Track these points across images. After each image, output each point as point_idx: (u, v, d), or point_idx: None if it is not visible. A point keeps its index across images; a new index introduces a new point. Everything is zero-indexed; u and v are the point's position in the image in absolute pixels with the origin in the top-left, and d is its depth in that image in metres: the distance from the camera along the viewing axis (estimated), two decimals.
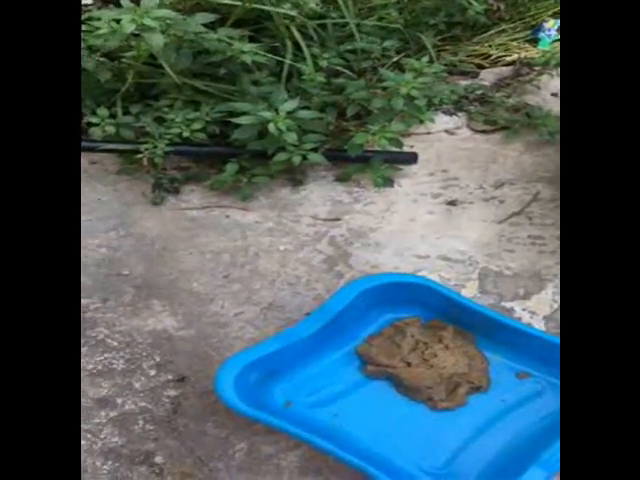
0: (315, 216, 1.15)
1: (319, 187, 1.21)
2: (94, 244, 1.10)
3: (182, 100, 1.24)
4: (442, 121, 1.33)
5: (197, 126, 1.19)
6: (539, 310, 1.00)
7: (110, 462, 0.85)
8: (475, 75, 1.46)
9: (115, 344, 0.97)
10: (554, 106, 1.34)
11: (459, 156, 1.26)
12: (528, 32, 1.54)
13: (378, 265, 1.07)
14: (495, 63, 1.49)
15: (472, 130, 1.31)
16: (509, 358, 0.92)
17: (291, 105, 1.14)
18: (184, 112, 1.20)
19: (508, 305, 1.01)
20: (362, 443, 0.85)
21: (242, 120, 1.14)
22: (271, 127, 1.11)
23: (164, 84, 1.24)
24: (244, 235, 1.13)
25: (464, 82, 1.42)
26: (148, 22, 1.06)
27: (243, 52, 1.19)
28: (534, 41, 1.53)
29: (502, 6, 1.54)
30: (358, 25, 1.39)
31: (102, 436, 0.87)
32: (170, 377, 0.94)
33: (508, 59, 1.49)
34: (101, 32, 1.07)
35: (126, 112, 1.23)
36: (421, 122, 1.29)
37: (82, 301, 1.00)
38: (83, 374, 0.92)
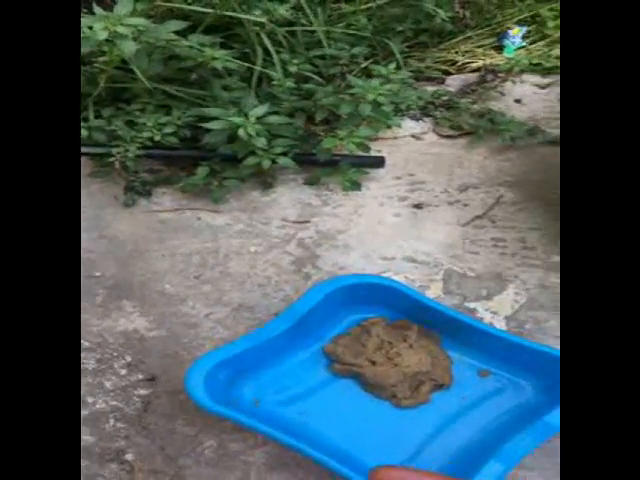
0: (285, 218, 1.16)
1: (289, 190, 1.22)
2: None
3: (154, 104, 1.24)
4: (409, 126, 1.35)
5: (168, 130, 1.19)
6: (501, 310, 1.01)
7: (81, 460, 0.85)
8: (441, 81, 1.47)
9: (87, 344, 0.98)
10: (517, 112, 1.36)
11: (425, 160, 1.27)
12: (493, 39, 1.56)
13: (345, 267, 1.08)
14: (461, 69, 1.51)
15: (438, 135, 1.33)
16: (471, 357, 0.94)
17: (261, 110, 1.15)
18: (155, 116, 1.21)
19: (471, 305, 1.02)
20: (328, 439, 0.86)
21: (213, 125, 1.14)
22: (241, 132, 1.12)
23: (136, 89, 1.25)
24: (215, 237, 1.13)
25: (431, 88, 1.43)
26: (120, 30, 1.06)
27: (214, 58, 1.19)
28: (499, 48, 1.54)
29: (468, 13, 1.55)
30: (327, 32, 1.40)
31: None
32: (141, 376, 0.95)
33: (474, 65, 1.51)
34: None
35: (98, 116, 1.24)
36: (388, 127, 1.30)
37: None
38: None
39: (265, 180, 1.22)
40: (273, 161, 1.16)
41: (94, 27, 1.06)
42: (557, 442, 0.85)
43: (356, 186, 1.20)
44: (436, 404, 0.90)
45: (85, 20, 1.08)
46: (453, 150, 1.29)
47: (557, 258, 1.08)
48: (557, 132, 1.29)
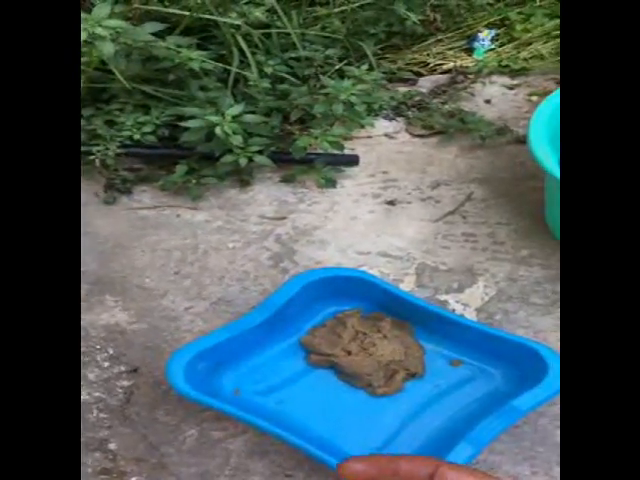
0: (262, 215, 1.18)
1: (266, 188, 1.23)
2: None
3: (132, 104, 1.25)
4: (382, 125, 1.36)
5: (147, 129, 1.21)
6: (471, 302, 1.03)
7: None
8: (414, 82, 1.48)
9: None
10: (486, 112, 1.38)
11: (398, 159, 1.29)
12: (464, 42, 1.58)
13: (322, 261, 1.10)
14: (433, 71, 1.52)
15: (410, 134, 1.34)
16: (443, 347, 0.95)
17: (237, 109, 1.16)
18: (134, 116, 1.22)
19: (443, 298, 1.04)
20: (306, 427, 0.87)
21: (190, 123, 1.16)
22: (218, 130, 1.13)
23: (115, 89, 1.25)
24: (194, 234, 1.15)
25: (403, 89, 1.45)
26: (99, 31, 1.07)
27: (191, 59, 1.20)
28: (469, 50, 1.56)
29: (438, 17, 1.57)
30: (302, 34, 1.42)
31: None
32: (123, 368, 0.96)
33: (445, 67, 1.52)
34: None
35: None
36: (362, 126, 1.31)
37: None
38: None
39: (242, 178, 1.23)
40: (250, 159, 1.17)
41: None
42: (526, 428, 0.88)
43: (331, 183, 1.22)
44: (409, 392, 0.92)
45: None
46: (425, 149, 1.31)
47: (525, 252, 1.10)
48: (524, 131, 1.30)
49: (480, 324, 0.98)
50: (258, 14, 1.33)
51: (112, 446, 0.88)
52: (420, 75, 1.51)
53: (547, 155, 0.98)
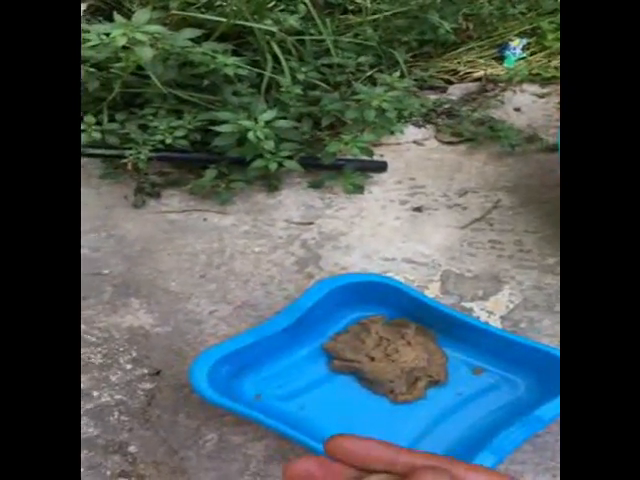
0: (289, 220, 1.15)
1: (293, 193, 1.20)
2: None
3: (166, 109, 1.23)
4: (411, 132, 1.33)
5: (180, 133, 1.18)
6: (496, 310, 1.00)
7: (86, 451, 0.84)
8: (444, 90, 1.45)
9: (93, 339, 0.96)
10: (516, 120, 1.34)
11: (426, 165, 1.25)
12: (494, 50, 1.54)
13: (347, 267, 1.07)
14: (463, 79, 1.49)
15: (439, 141, 1.31)
16: (466, 354, 0.92)
17: (269, 115, 1.14)
18: (168, 120, 1.20)
19: (467, 305, 1.01)
20: (327, 433, 0.83)
21: (223, 128, 1.13)
22: (250, 135, 1.11)
23: (149, 94, 1.24)
24: (221, 237, 1.12)
25: (433, 96, 1.42)
26: (139, 36, 1.06)
27: (226, 65, 1.18)
28: (500, 59, 1.53)
29: (471, 25, 1.54)
30: (335, 41, 1.39)
31: None
32: (145, 371, 0.93)
33: (475, 75, 1.49)
34: (91, 44, 1.07)
35: (112, 119, 1.23)
36: (391, 133, 1.29)
37: None
38: None
39: (271, 183, 1.21)
40: (280, 164, 1.15)
41: (112, 34, 1.05)
42: (548, 437, 0.84)
43: (359, 189, 1.19)
44: (431, 400, 0.88)
45: (104, 27, 1.08)
46: (453, 156, 1.27)
47: (552, 260, 1.06)
48: (554, 139, 1.27)
49: (504, 332, 0.94)
50: (292, 22, 1.32)
51: (132, 449, 0.85)
52: (450, 83, 1.48)
53: None
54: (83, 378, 0.91)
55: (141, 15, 1.09)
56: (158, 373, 0.93)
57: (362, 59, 1.38)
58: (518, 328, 0.97)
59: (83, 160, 1.22)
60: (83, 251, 1.08)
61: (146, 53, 1.07)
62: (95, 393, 0.90)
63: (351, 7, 1.56)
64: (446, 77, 1.49)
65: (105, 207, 1.17)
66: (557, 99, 1.41)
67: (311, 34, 1.39)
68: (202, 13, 1.31)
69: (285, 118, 1.19)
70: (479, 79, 1.48)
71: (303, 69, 1.30)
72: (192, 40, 1.19)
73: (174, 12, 1.28)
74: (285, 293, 1.03)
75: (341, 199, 1.19)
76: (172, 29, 1.22)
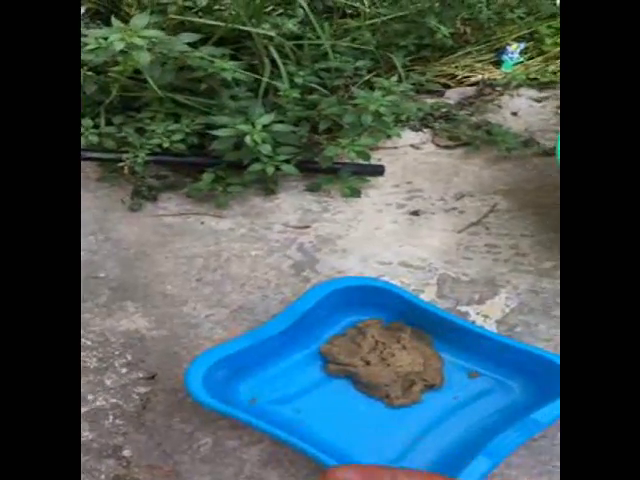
0: (286, 224, 1.14)
1: (290, 196, 1.20)
2: None
3: (163, 113, 1.23)
4: (409, 136, 1.33)
5: (177, 137, 1.18)
6: (492, 314, 0.99)
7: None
8: (441, 94, 1.45)
9: (89, 343, 0.96)
10: (513, 124, 1.34)
11: (423, 169, 1.25)
12: (492, 54, 1.54)
13: (343, 270, 1.06)
14: (460, 83, 1.49)
15: (436, 145, 1.31)
16: (462, 358, 0.91)
17: (267, 119, 1.14)
18: (165, 124, 1.20)
19: (463, 309, 1.00)
20: (321, 437, 0.84)
21: (220, 132, 1.13)
22: (247, 139, 1.10)
23: (147, 97, 1.24)
24: (217, 241, 1.11)
25: (430, 100, 1.41)
26: (137, 41, 1.06)
27: (223, 69, 1.18)
28: (498, 63, 1.52)
29: (469, 30, 1.54)
30: (333, 45, 1.39)
31: None
32: (141, 375, 0.93)
33: (472, 79, 1.49)
34: (90, 48, 1.07)
35: (109, 123, 1.23)
36: (389, 137, 1.28)
37: None
38: None
39: (268, 187, 1.20)
40: (277, 168, 1.14)
41: (110, 38, 1.05)
42: (544, 441, 0.84)
43: (356, 193, 1.18)
44: (427, 404, 0.87)
45: (102, 32, 1.08)
46: (450, 160, 1.27)
47: (548, 264, 1.06)
48: (551, 144, 1.27)
49: (500, 336, 0.93)
50: (290, 26, 1.31)
51: (126, 453, 0.85)
52: (448, 87, 1.48)
53: None
54: None
55: (139, 20, 1.09)
56: (153, 377, 0.92)
57: (360, 63, 1.38)
58: (514, 332, 0.96)
59: (80, 164, 1.21)
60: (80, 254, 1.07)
61: (144, 57, 1.07)
62: (90, 397, 0.90)
63: (349, 11, 1.55)
64: (443, 81, 1.49)
65: (102, 210, 1.16)
66: (554, 103, 1.40)
67: (309, 38, 1.38)
68: (200, 17, 1.30)
69: (283, 122, 1.19)
70: (476, 83, 1.47)
71: (301, 73, 1.30)
72: (190, 44, 1.19)
73: (172, 16, 1.28)
74: (281, 297, 1.02)
75: (338, 203, 1.18)
76: (170, 33, 1.22)
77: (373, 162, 1.23)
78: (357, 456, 0.82)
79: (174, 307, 1.01)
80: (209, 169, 1.19)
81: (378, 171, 1.23)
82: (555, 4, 1.58)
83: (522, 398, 0.87)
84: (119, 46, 1.05)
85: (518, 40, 1.55)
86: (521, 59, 1.52)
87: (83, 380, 0.91)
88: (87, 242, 1.10)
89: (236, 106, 1.22)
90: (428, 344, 0.92)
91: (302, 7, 1.38)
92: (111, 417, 0.88)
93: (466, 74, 1.50)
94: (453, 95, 1.44)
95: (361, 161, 1.20)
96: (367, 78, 1.38)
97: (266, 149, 1.11)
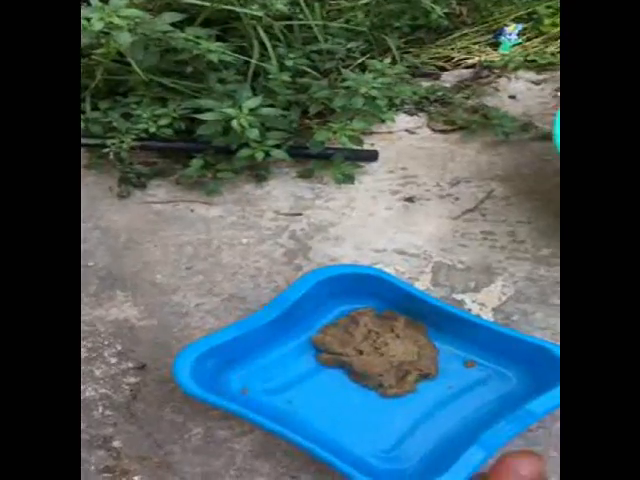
0: (277, 211, 1.16)
1: (282, 183, 1.22)
2: None
3: (150, 97, 1.24)
4: (403, 120, 1.35)
5: (164, 122, 1.20)
6: (488, 302, 1.01)
7: None
8: (437, 77, 1.47)
9: None
10: (510, 108, 1.36)
11: (418, 154, 1.27)
12: (490, 36, 1.56)
13: (337, 258, 1.09)
14: (457, 65, 1.50)
15: (432, 130, 1.33)
16: (457, 347, 0.93)
17: (254, 102, 1.15)
18: (151, 108, 1.21)
19: (459, 297, 1.02)
20: (314, 428, 0.86)
21: (206, 116, 1.15)
22: (234, 123, 1.12)
23: (132, 81, 1.25)
24: (208, 229, 1.14)
25: (426, 83, 1.43)
26: (116, 21, 1.07)
27: (210, 51, 1.19)
28: (495, 45, 1.54)
29: (465, 10, 1.56)
30: (325, 27, 1.40)
31: None
32: (131, 365, 0.95)
33: (469, 62, 1.50)
34: None
35: (95, 108, 1.24)
36: (382, 121, 1.30)
37: None
38: None
39: (259, 173, 1.22)
40: (267, 153, 1.16)
41: (91, 18, 1.06)
42: (539, 432, 0.86)
43: (349, 179, 1.21)
44: (421, 394, 0.90)
45: (82, 11, 1.09)
46: (446, 145, 1.29)
47: (546, 251, 1.08)
48: (550, 128, 1.29)
49: (496, 324, 0.96)
50: (280, 6, 1.32)
51: (116, 444, 0.87)
52: (444, 70, 1.49)
53: None
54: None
55: None
56: (143, 367, 0.95)
57: (352, 45, 1.40)
58: (510, 321, 0.99)
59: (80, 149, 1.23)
60: None
61: (124, 38, 1.08)
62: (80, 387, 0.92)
63: None
64: (439, 64, 1.50)
65: (89, 198, 1.18)
66: (553, 86, 1.42)
67: (300, 19, 1.39)
68: None
69: (272, 106, 1.21)
70: (473, 66, 1.49)
71: (291, 55, 1.32)
72: (174, 25, 1.20)
73: None
74: (273, 285, 1.05)
75: (331, 189, 1.20)
76: (154, 14, 1.23)
77: (367, 147, 1.25)
78: (350, 446, 0.84)
79: (164, 296, 1.03)
80: (198, 155, 1.21)
81: (372, 156, 1.25)
82: None
83: (518, 387, 0.89)
84: (98, 26, 1.06)
85: (516, 21, 1.57)
86: (519, 40, 1.53)
87: None
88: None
89: (224, 89, 1.24)
90: (422, 333, 0.95)
91: None
92: (101, 408, 0.91)
93: (462, 56, 1.51)
94: (449, 78, 1.46)
95: (354, 146, 1.22)
96: (360, 61, 1.40)
97: (254, 133, 1.13)
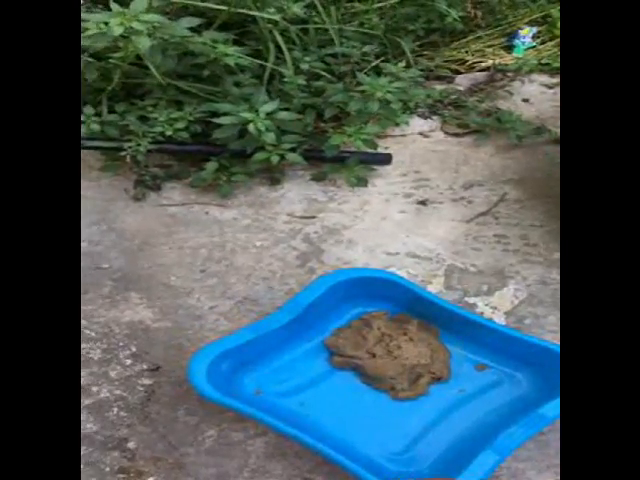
0: (291, 214, 1.17)
1: (296, 186, 1.22)
2: None
3: (166, 100, 1.25)
4: (417, 124, 1.35)
5: (180, 125, 1.20)
6: (500, 305, 1.01)
7: (84, 447, 0.86)
8: (451, 80, 1.47)
9: (93, 335, 0.99)
10: (524, 111, 1.36)
11: (432, 158, 1.27)
12: (504, 39, 1.56)
13: (350, 261, 1.09)
14: (471, 69, 1.51)
15: (445, 133, 1.33)
16: (469, 350, 0.94)
17: (271, 106, 1.16)
18: (168, 111, 1.22)
19: (471, 300, 1.03)
20: (327, 430, 0.86)
21: (223, 120, 1.15)
22: (250, 127, 1.13)
23: (149, 84, 1.26)
24: (222, 231, 1.14)
25: (440, 87, 1.43)
26: (136, 25, 1.07)
27: (227, 55, 1.20)
28: (509, 48, 1.54)
29: (479, 14, 1.56)
30: (340, 30, 1.41)
31: None
32: (145, 366, 0.95)
33: (483, 65, 1.50)
34: (90, 33, 1.09)
35: (111, 111, 1.25)
36: (396, 124, 1.30)
37: None
38: None
39: (273, 176, 1.23)
40: (282, 157, 1.16)
41: (110, 23, 1.07)
42: (550, 435, 0.86)
43: (362, 182, 1.21)
44: (433, 396, 0.90)
45: (101, 16, 1.10)
46: (459, 148, 1.29)
47: (558, 255, 1.08)
48: None
49: (507, 328, 0.96)
50: (296, 9, 1.32)
51: (131, 445, 0.87)
52: (458, 73, 1.50)
53: None
54: (82, 373, 0.93)
55: (138, 3, 1.10)
56: (158, 369, 0.95)
57: (367, 48, 1.40)
58: (523, 324, 0.99)
59: (82, 152, 1.23)
60: (83, 245, 1.10)
61: (143, 42, 1.09)
62: (94, 389, 0.92)
63: None
64: (453, 67, 1.51)
65: (105, 200, 1.19)
66: None
67: (315, 22, 1.40)
68: (203, 1, 1.32)
69: (288, 109, 1.21)
70: (487, 69, 1.49)
71: (307, 59, 1.32)
72: (192, 29, 1.20)
73: (174, 0, 1.29)
74: (287, 288, 1.05)
75: (344, 192, 1.21)
76: (173, 18, 1.24)
77: (381, 150, 1.26)
78: (362, 448, 0.84)
79: (178, 298, 1.04)
80: (213, 158, 1.21)
81: (385, 160, 1.26)
82: None
83: (530, 391, 0.90)
84: (118, 31, 1.07)
85: (530, 24, 1.57)
86: (533, 44, 1.53)
87: (87, 372, 0.94)
88: (90, 232, 1.13)
89: (240, 93, 1.24)
90: (435, 336, 0.95)
91: None
92: (115, 409, 0.91)
93: (476, 59, 1.51)
94: (463, 81, 1.46)
95: (368, 150, 1.22)
96: (375, 64, 1.40)
97: (270, 137, 1.13)
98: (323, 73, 1.34)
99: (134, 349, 0.97)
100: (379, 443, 0.85)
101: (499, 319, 1.00)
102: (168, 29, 1.17)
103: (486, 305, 1.02)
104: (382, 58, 1.43)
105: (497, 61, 1.50)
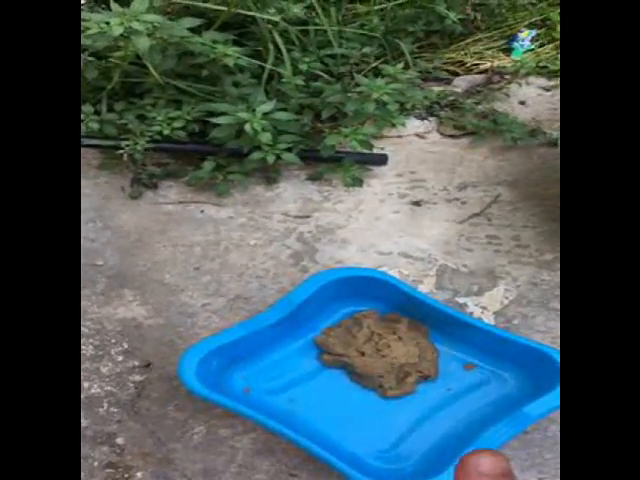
0: (286, 213, 1.17)
1: (291, 185, 1.22)
2: None
3: (165, 99, 1.26)
4: (414, 125, 1.35)
5: (178, 124, 1.21)
6: (490, 306, 1.02)
7: None
8: (449, 82, 1.47)
9: (86, 331, 0.99)
10: (520, 113, 1.36)
11: (427, 159, 1.27)
12: (503, 41, 1.56)
13: (342, 260, 1.09)
14: (469, 71, 1.51)
15: (441, 134, 1.33)
16: (458, 350, 0.94)
17: (268, 106, 1.16)
18: (166, 111, 1.22)
19: (461, 300, 1.03)
20: (315, 427, 0.87)
21: (220, 120, 1.15)
22: (247, 127, 1.13)
23: (148, 84, 1.26)
24: (217, 230, 1.14)
25: (437, 88, 1.43)
26: (136, 26, 1.08)
27: (226, 55, 1.20)
28: (508, 50, 1.54)
29: (479, 16, 1.55)
30: (340, 31, 1.41)
31: None
32: (136, 363, 0.96)
33: (482, 67, 1.50)
34: (90, 33, 1.09)
35: (110, 109, 1.25)
36: (393, 125, 1.30)
37: None
38: None
39: (269, 175, 1.23)
40: (278, 157, 1.17)
41: (110, 23, 1.07)
42: (535, 434, 0.87)
43: (357, 182, 1.21)
44: (421, 395, 0.90)
45: (102, 16, 1.10)
46: (455, 149, 1.29)
47: (549, 256, 1.08)
48: (558, 134, 1.29)
49: (496, 328, 0.95)
50: (296, 10, 1.32)
51: (120, 440, 0.88)
52: (456, 74, 1.49)
53: None
54: None
55: (139, 4, 1.11)
56: (148, 365, 0.96)
57: (367, 50, 1.40)
58: (511, 324, 0.99)
59: (81, 150, 1.23)
60: None
61: (143, 43, 1.09)
62: (85, 384, 0.93)
63: None
64: (452, 69, 1.51)
65: (101, 198, 1.20)
66: None
67: (315, 23, 1.40)
68: (203, 1, 1.32)
69: (285, 110, 1.21)
70: (486, 71, 1.49)
71: (306, 59, 1.32)
72: (192, 30, 1.21)
73: (175, 0, 1.29)
74: (279, 286, 1.05)
75: (339, 192, 1.21)
76: (173, 18, 1.24)
77: (377, 151, 1.25)
78: (350, 446, 0.85)
79: (172, 296, 1.04)
80: (210, 157, 1.21)
81: (381, 160, 1.26)
82: None
83: (516, 391, 0.90)
84: (118, 31, 1.07)
85: (530, 27, 1.57)
86: (532, 46, 1.53)
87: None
88: (86, 229, 1.13)
89: (238, 93, 1.24)
90: (424, 335, 0.95)
91: None
92: (106, 405, 0.92)
93: (475, 61, 1.51)
94: (461, 83, 1.46)
95: (364, 150, 1.22)
96: (374, 65, 1.40)
97: (266, 137, 1.14)
98: (321, 74, 1.34)
99: (126, 346, 0.98)
100: (366, 441, 0.86)
101: (488, 319, 1.00)
102: (168, 29, 1.17)
103: (476, 305, 1.02)
104: (381, 59, 1.43)
105: (495, 63, 1.49)
